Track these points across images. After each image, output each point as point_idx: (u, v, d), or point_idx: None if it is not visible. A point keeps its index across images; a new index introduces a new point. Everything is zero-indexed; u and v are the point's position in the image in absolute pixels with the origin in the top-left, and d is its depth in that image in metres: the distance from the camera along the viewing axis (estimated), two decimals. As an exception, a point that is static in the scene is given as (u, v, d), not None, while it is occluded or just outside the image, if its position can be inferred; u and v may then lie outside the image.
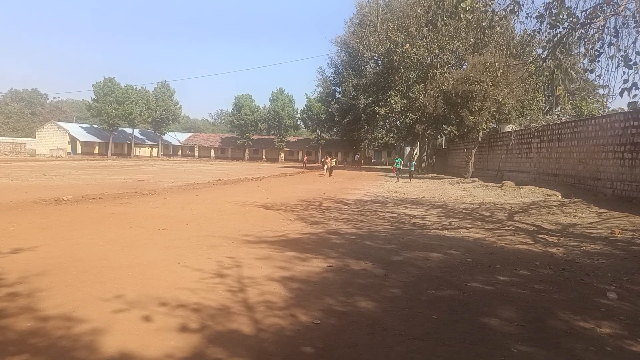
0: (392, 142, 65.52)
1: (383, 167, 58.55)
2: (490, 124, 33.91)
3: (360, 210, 13.57)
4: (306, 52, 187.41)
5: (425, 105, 35.35)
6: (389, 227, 10.53)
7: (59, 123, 76.32)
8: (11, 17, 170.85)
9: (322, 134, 77.77)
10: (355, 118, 58.02)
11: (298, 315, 4.45)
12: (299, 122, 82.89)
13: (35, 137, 74.97)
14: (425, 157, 50.06)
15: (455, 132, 35.13)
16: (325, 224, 10.60)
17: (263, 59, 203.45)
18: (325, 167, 36.79)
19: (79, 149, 71.81)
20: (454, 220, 12.02)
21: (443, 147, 51.91)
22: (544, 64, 11.81)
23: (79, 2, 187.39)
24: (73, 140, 72.09)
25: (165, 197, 15.39)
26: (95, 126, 76.23)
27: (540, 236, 9.73)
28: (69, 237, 8.00)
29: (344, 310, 4.64)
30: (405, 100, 40.62)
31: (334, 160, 33.84)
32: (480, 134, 32.27)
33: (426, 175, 38.26)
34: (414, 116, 39.39)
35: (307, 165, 53.61)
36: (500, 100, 30.07)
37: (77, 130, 75.19)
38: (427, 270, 6.37)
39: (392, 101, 41.59)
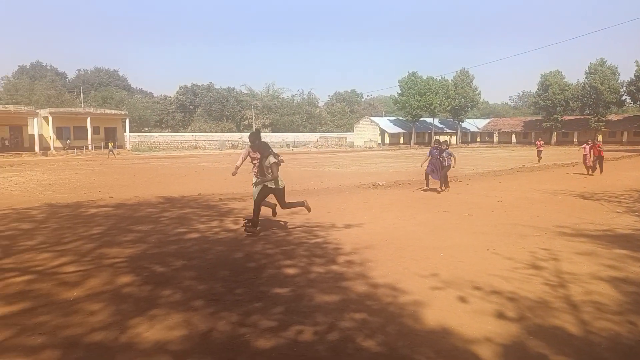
0: None
1: None
2: None
3: None
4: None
5: None
6: None
7: (371, 118, 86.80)
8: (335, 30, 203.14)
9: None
10: None
11: (638, 323, 3.74)
12: (623, 97, 68.76)
13: (353, 131, 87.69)
14: None
15: None
16: (668, 220, 8.53)
17: (577, 29, 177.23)
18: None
19: (386, 140, 79.99)
20: None
21: None
22: None
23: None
24: (382, 132, 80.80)
25: (467, 184, 15.48)
26: (400, 118, 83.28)
27: None
28: (386, 217, 9.03)
29: None
30: None
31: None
32: None
33: None
34: None
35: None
36: None
37: (385, 123, 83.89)
38: None
39: None
